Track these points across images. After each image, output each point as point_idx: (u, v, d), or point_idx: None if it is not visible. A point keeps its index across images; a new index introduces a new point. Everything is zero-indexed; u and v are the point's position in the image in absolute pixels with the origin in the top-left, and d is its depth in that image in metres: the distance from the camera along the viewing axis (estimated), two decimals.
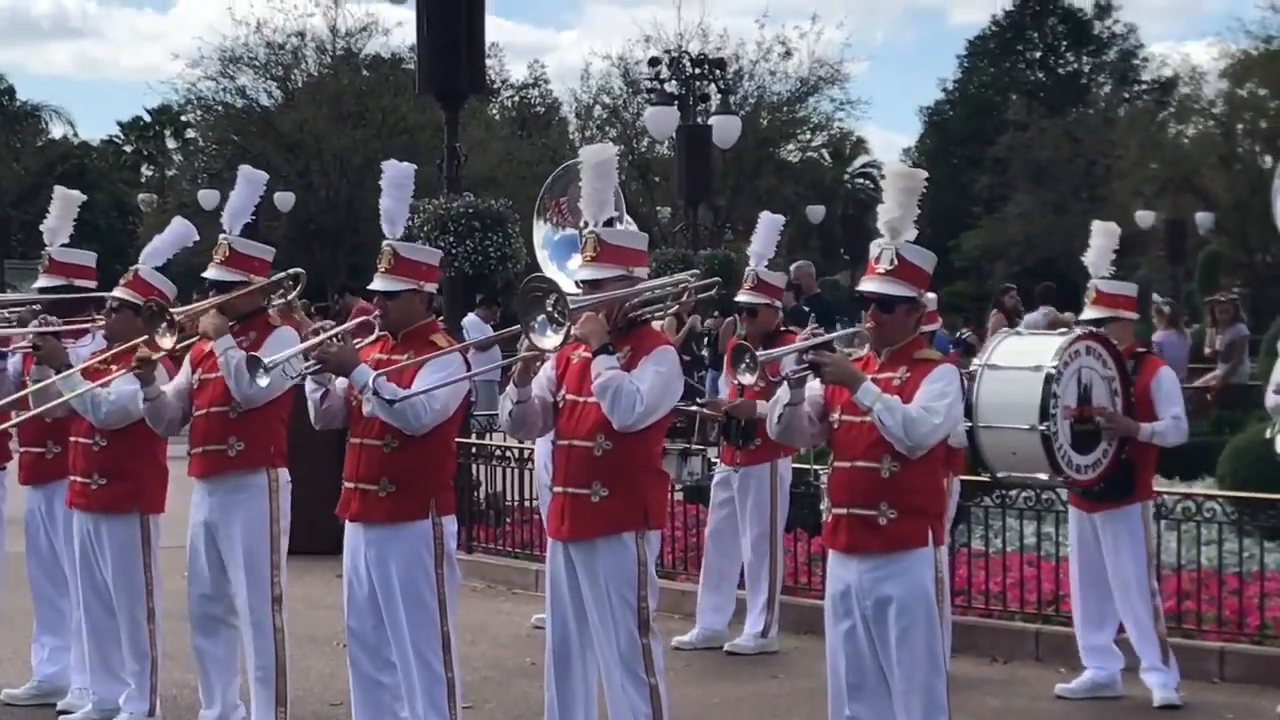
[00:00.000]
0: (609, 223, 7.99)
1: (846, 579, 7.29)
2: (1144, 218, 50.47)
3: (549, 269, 10.42)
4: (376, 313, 8.25)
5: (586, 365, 7.63)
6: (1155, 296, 26.69)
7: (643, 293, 7.81)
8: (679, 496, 13.68)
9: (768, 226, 11.70)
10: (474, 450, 15.07)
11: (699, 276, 8.33)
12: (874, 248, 7.37)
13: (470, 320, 20.29)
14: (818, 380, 7.28)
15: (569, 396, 7.78)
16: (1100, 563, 10.33)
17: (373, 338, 8.26)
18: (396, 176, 8.32)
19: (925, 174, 7.50)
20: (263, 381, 8.11)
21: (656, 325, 8.17)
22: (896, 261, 7.29)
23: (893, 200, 7.37)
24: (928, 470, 7.25)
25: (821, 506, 7.45)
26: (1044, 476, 9.65)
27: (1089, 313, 10.25)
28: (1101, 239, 10.42)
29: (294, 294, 9.50)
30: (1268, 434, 9.92)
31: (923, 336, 7.62)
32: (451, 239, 16.12)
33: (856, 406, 7.17)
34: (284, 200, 48.28)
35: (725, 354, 11.86)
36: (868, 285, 7.36)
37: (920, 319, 7.50)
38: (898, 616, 7.16)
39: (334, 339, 8.06)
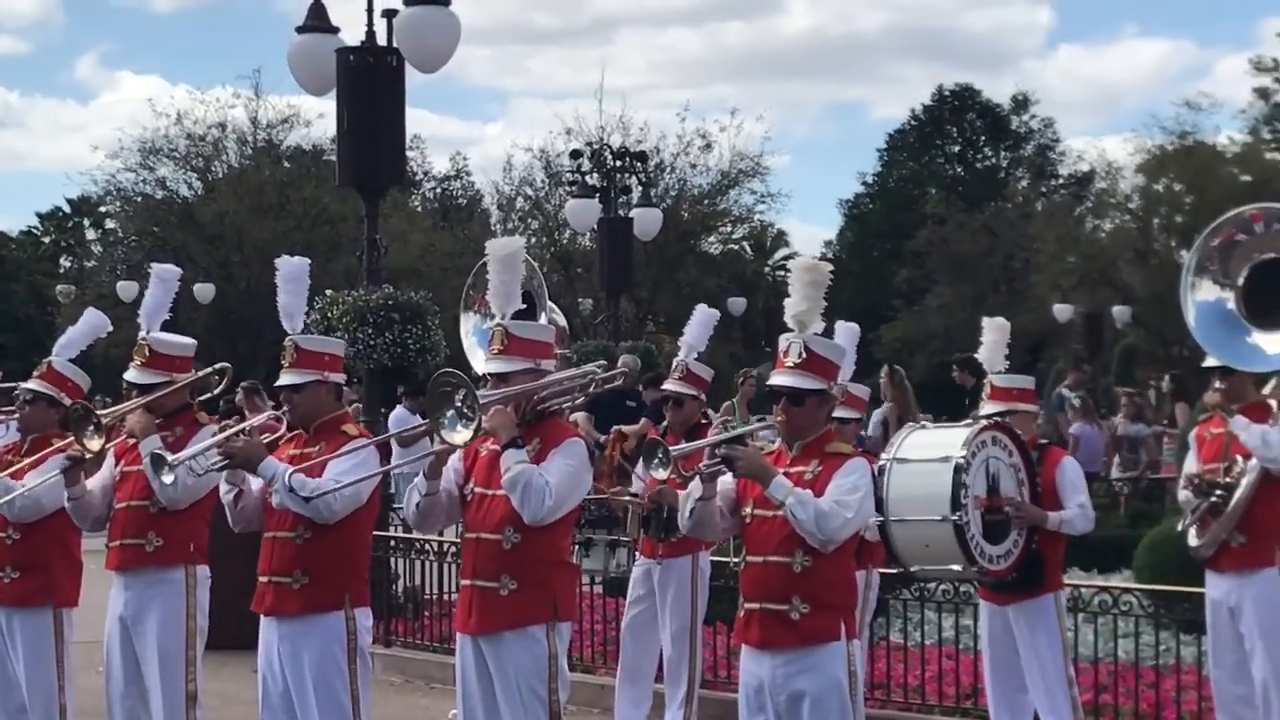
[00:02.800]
0: (521, 314, 8.02)
1: (760, 674, 7.28)
2: (1062, 311, 50.87)
3: (476, 356, 10.46)
4: (284, 408, 8.25)
5: (495, 458, 7.62)
6: (1067, 391, 26.98)
7: (551, 385, 7.82)
8: (599, 589, 13.65)
9: (702, 320, 11.73)
10: (393, 543, 15.01)
11: (606, 368, 8.34)
12: (782, 341, 7.41)
13: (397, 414, 20.21)
14: (730, 474, 7.30)
15: (477, 489, 7.77)
16: (1013, 656, 10.32)
17: (285, 435, 8.26)
18: (291, 272, 8.36)
19: (830, 266, 7.55)
20: (167, 479, 8.12)
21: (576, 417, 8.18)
22: (805, 354, 7.32)
23: (799, 293, 7.40)
24: (840, 564, 7.25)
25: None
26: (958, 568, 9.63)
27: (986, 408, 10.27)
28: (993, 334, 10.49)
29: (220, 388, 9.52)
30: (1179, 527, 9.99)
31: (834, 429, 7.63)
32: (371, 331, 16.12)
33: (769, 501, 7.18)
34: (204, 292, 48.09)
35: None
36: (777, 379, 7.38)
37: (831, 411, 7.53)
38: (811, 711, 7.15)
39: (239, 434, 8.05)
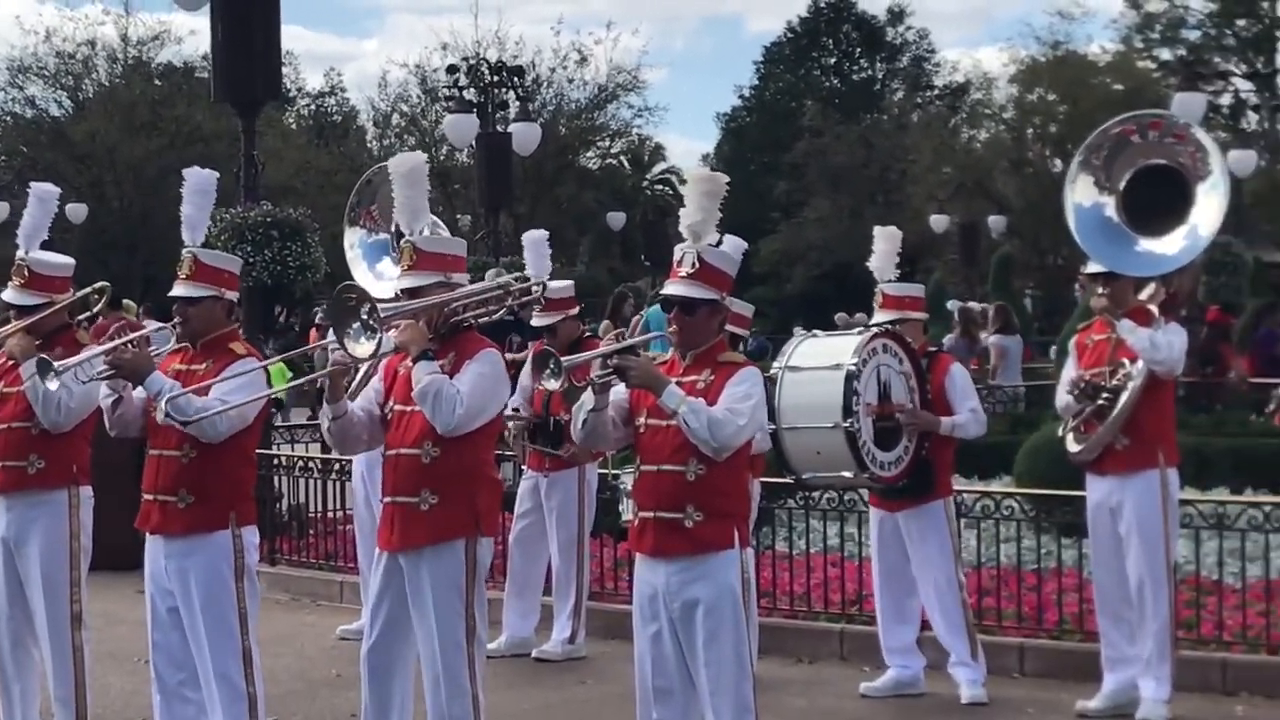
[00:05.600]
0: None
1: (654, 582, 7.30)
2: (938, 222, 51.22)
3: (358, 269, 10.40)
4: (176, 319, 8.16)
5: (410, 375, 7.57)
6: (957, 301, 27.41)
7: (461, 298, 7.77)
8: None
9: (533, 246, 11.62)
10: (277, 462, 14.94)
11: (524, 281, 8.29)
12: (677, 251, 7.41)
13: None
14: (623, 385, 7.31)
15: (397, 407, 7.71)
16: (902, 562, 10.49)
17: (172, 346, 8.18)
18: (199, 184, 8.22)
19: (726, 178, 7.54)
20: (52, 385, 8.03)
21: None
22: (698, 264, 7.30)
23: (694, 204, 7.39)
24: (732, 472, 7.27)
25: (621, 508, 7.48)
26: (849, 475, 9.77)
27: (878, 316, 10.44)
28: (884, 243, 10.59)
29: (100, 306, 9.40)
30: (1059, 432, 10.12)
31: (726, 339, 7.66)
32: (249, 248, 15.95)
33: (662, 410, 7.18)
34: (76, 212, 47.46)
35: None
36: (670, 288, 7.37)
37: (724, 321, 7.54)
38: (705, 618, 7.18)
39: (129, 345, 7.94)
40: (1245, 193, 40.17)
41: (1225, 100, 60.75)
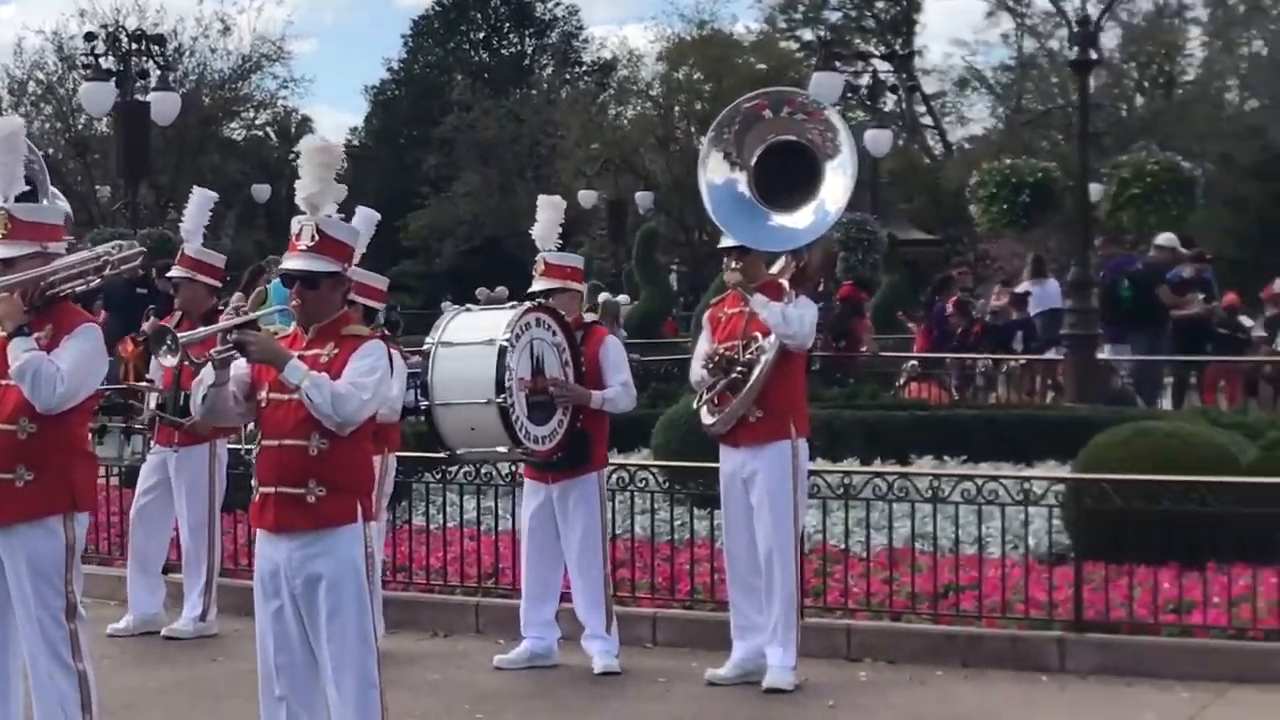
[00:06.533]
0: (23, 197, 7.72)
1: (276, 558, 7.21)
2: (586, 197, 51.48)
3: None
4: None
5: (4, 347, 7.37)
6: (606, 295, 27.69)
7: (59, 270, 7.57)
8: (114, 481, 13.36)
9: (198, 203, 11.63)
10: None
11: (122, 249, 8.09)
12: (294, 224, 7.31)
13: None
14: (244, 360, 7.20)
15: None
16: (553, 536, 10.50)
17: None
18: None
19: (341, 146, 7.49)
20: None
21: None
22: (318, 237, 7.21)
23: (309, 175, 7.29)
24: (356, 447, 7.23)
25: (254, 484, 7.38)
26: (503, 450, 9.88)
27: (538, 284, 10.48)
28: (548, 212, 10.66)
29: None
30: (694, 405, 10.26)
31: (353, 311, 7.59)
32: None
33: (284, 385, 7.10)
34: None
35: None
36: (290, 263, 7.27)
37: (347, 293, 7.47)
38: (327, 594, 7.11)
39: None
40: (883, 171, 41.19)
41: (864, 81, 62.27)
